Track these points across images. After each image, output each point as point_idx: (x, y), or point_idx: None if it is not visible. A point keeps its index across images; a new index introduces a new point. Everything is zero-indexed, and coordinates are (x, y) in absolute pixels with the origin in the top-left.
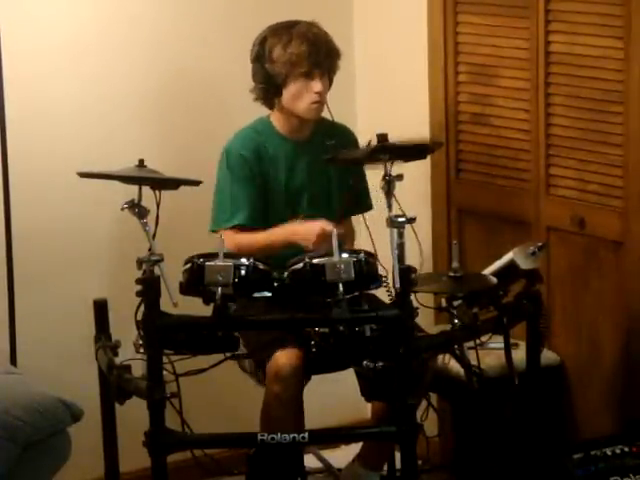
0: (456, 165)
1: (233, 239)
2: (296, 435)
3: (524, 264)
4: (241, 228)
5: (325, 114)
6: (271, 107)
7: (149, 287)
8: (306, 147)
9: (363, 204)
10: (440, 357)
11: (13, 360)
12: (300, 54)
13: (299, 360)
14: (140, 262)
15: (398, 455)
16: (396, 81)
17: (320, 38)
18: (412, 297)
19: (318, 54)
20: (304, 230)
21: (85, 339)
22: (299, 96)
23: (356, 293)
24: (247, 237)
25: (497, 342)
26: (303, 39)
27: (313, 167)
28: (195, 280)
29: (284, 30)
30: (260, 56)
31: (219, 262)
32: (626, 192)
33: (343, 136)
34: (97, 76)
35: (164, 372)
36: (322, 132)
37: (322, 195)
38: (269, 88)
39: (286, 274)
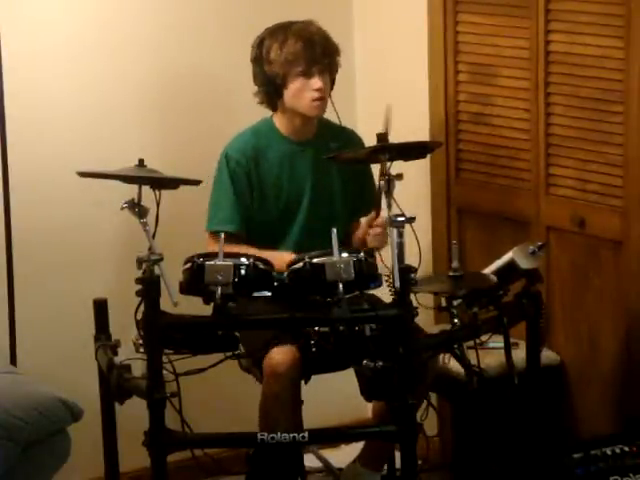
0: (456, 165)
1: (211, 246)
2: (296, 435)
3: (524, 264)
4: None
5: (332, 117)
6: (274, 109)
7: (149, 286)
8: (309, 148)
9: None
10: (440, 357)
11: (13, 360)
12: (296, 53)
13: (295, 357)
14: (140, 261)
15: (398, 455)
16: (396, 81)
17: (316, 36)
18: (412, 297)
19: (314, 51)
20: (277, 263)
21: (85, 339)
22: (300, 95)
23: (356, 292)
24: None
25: (497, 342)
26: (298, 38)
27: (315, 168)
28: (195, 280)
29: (280, 30)
30: (258, 58)
31: (219, 262)
32: (626, 192)
33: (349, 139)
34: (97, 76)
35: (164, 372)
36: (327, 134)
37: (324, 196)
38: (270, 90)
39: (286, 274)
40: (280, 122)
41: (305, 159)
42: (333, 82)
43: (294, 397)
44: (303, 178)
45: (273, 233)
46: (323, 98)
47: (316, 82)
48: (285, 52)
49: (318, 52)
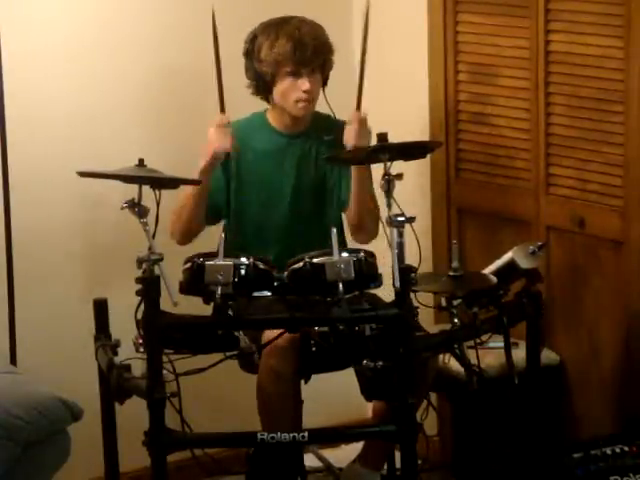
0: (456, 165)
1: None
2: (296, 435)
3: (524, 263)
4: None
5: (326, 109)
6: (268, 101)
7: (149, 286)
8: (299, 140)
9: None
10: (440, 357)
11: (13, 360)
12: (285, 54)
13: (294, 335)
14: (140, 261)
15: (398, 454)
16: (396, 81)
17: (307, 37)
18: (412, 296)
19: (304, 53)
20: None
21: (85, 339)
22: (287, 94)
23: (356, 292)
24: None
25: (497, 342)
26: (289, 38)
27: (303, 160)
28: (195, 279)
29: (272, 28)
30: (250, 53)
31: (219, 261)
32: (626, 192)
33: (342, 132)
34: (97, 76)
35: (164, 372)
36: (319, 127)
37: (311, 187)
38: (260, 85)
39: (286, 273)
40: (272, 115)
41: (294, 151)
42: (326, 80)
43: (293, 375)
44: (289, 171)
45: (257, 224)
46: (309, 100)
47: (304, 83)
48: (275, 53)
49: (308, 54)
